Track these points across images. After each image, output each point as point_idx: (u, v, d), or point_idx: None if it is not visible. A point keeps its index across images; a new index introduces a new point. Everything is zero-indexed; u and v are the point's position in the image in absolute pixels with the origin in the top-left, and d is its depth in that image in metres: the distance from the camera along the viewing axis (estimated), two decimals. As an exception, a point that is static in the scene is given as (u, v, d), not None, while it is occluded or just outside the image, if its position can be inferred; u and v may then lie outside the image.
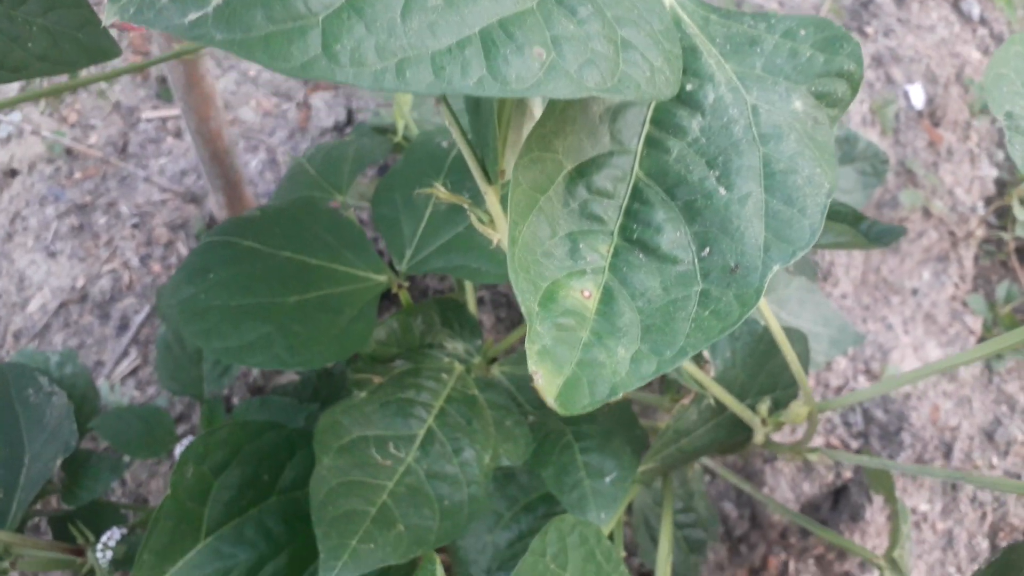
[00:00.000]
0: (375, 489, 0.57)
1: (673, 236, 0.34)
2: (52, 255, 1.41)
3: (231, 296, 0.61)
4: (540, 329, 0.31)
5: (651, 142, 0.35)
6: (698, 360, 0.63)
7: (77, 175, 1.50)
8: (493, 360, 0.79)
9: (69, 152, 1.53)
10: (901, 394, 1.19)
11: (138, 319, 1.31)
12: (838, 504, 1.14)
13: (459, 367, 0.72)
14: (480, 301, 1.06)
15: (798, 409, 0.60)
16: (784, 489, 1.11)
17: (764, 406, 0.65)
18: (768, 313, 0.54)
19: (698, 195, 0.34)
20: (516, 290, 0.32)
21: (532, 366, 0.31)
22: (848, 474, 1.12)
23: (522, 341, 0.83)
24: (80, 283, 1.37)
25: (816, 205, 0.34)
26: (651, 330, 0.33)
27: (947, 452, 1.19)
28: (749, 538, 1.13)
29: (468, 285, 0.79)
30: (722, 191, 0.34)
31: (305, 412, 0.77)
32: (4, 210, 1.51)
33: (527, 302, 0.32)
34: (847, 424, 1.15)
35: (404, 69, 0.24)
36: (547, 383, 0.31)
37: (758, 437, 0.65)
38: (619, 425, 0.71)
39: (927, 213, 1.24)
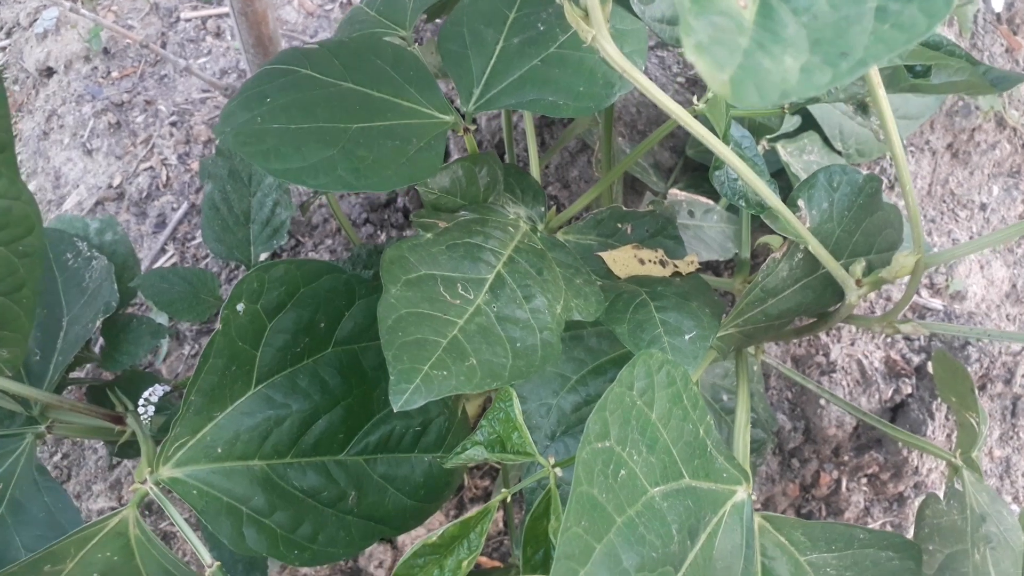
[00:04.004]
0: (445, 324, 0.53)
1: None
2: (88, 153, 1.38)
3: (291, 119, 0.57)
4: (694, 23, 0.27)
5: None
6: (792, 210, 0.58)
7: (114, 74, 1.46)
8: (556, 231, 0.75)
9: (106, 51, 1.49)
10: (965, 311, 1.13)
11: (176, 216, 1.28)
12: (896, 420, 1.09)
13: (524, 225, 0.67)
14: (545, 167, 1.02)
15: (903, 260, 0.55)
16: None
17: (859, 267, 0.60)
18: (895, 140, 0.48)
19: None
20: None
21: (689, 57, 0.26)
22: (908, 389, 1.07)
23: (587, 210, 0.79)
24: (117, 181, 1.34)
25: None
26: (821, 43, 0.28)
27: (1008, 378, 1.14)
28: (802, 452, 1.09)
29: (532, 150, 0.75)
30: None
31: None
32: (40, 108, 1.47)
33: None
34: (908, 339, 1.10)
35: None
36: (709, 75, 0.26)
37: (851, 298, 0.60)
38: (695, 290, 0.66)
39: (1001, 124, 1.17)
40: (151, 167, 1.34)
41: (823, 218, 0.59)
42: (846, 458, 1.08)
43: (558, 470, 0.50)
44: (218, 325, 0.57)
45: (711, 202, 0.95)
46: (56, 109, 1.45)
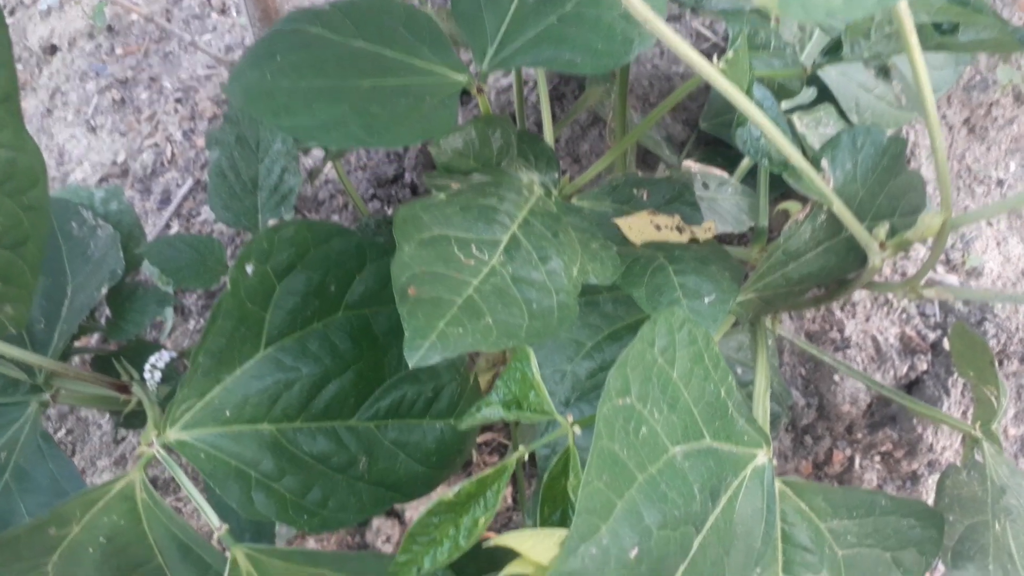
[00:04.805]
0: (460, 284, 0.52)
1: None
2: (92, 130, 1.37)
3: (301, 77, 0.56)
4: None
5: None
6: (816, 167, 0.57)
7: (119, 51, 1.45)
8: (569, 198, 0.73)
9: (110, 28, 1.47)
10: (980, 287, 1.12)
11: (180, 193, 1.26)
12: (911, 396, 1.08)
13: (539, 189, 0.66)
14: (556, 141, 1.00)
15: (929, 220, 0.54)
16: (854, 379, 1.05)
17: (882, 229, 0.59)
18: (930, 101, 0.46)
19: None
20: None
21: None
22: (923, 365, 1.06)
23: (601, 176, 0.77)
24: (121, 158, 1.32)
25: None
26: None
27: (1025, 356, 1.12)
28: (815, 429, 1.07)
29: (546, 117, 0.73)
30: None
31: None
32: (43, 86, 1.46)
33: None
34: (924, 315, 1.09)
35: None
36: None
37: (874, 261, 0.58)
38: (714, 255, 0.65)
39: (1019, 98, 1.15)
40: (156, 144, 1.33)
41: (846, 179, 0.58)
42: (860, 435, 1.07)
43: (576, 428, 0.48)
44: (227, 286, 0.55)
45: (725, 174, 0.93)
46: (60, 87, 1.43)
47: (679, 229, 0.69)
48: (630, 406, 0.44)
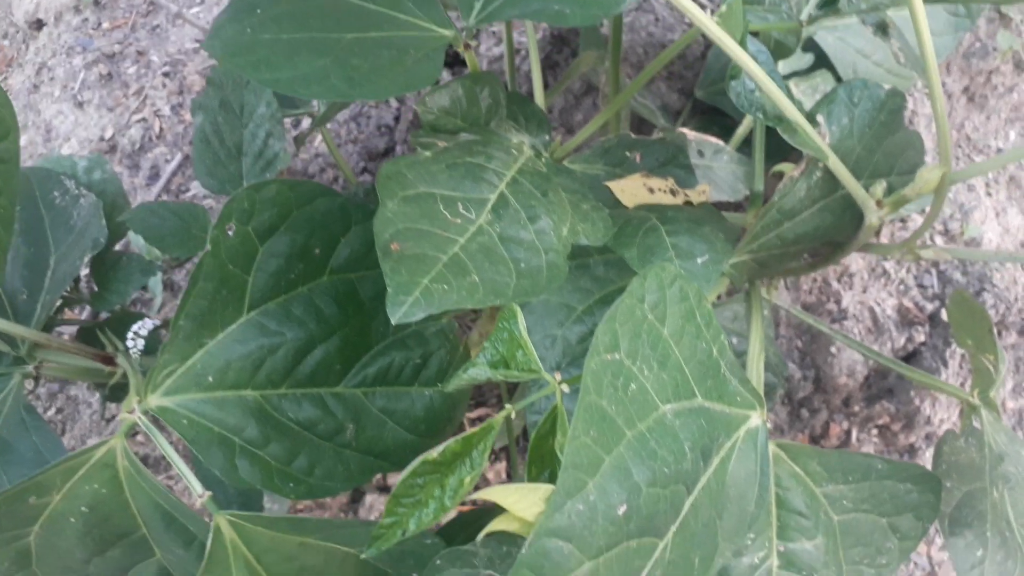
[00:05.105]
0: (445, 241, 0.50)
1: None
2: (79, 105, 1.35)
3: (282, 30, 0.54)
4: None
5: None
6: (812, 123, 0.55)
7: (105, 25, 1.42)
8: (561, 161, 0.72)
9: (97, 2, 1.45)
10: (980, 259, 1.10)
11: (169, 168, 1.25)
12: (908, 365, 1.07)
13: (529, 151, 0.64)
14: (549, 111, 0.99)
15: (928, 175, 0.52)
16: (852, 351, 1.04)
17: (879, 187, 0.57)
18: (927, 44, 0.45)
19: None
20: None
21: None
22: (921, 337, 1.05)
23: (593, 137, 0.76)
24: (108, 133, 1.31)
25: None
26: None
27: (1023, 329, 1.11)
28: (811, 402, 1.06)
29: (536, 78, 0.71)
30: None
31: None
32: (30, 62, 1.44)
33: None
34: (921, 287, 1.08)
35: None
36: None
37: (871, 219, 0.57)
38: (708, 217, 0.63)
39: (1019, 66, 1.13)
40: (144, 118, 1.31)
41: (843, 134, 0.56)
42: (856, 408, 1.06)
43: (564, 387, 0.47)
44: (207, 247, 0.54)
45: (721, 142, 0.92)
46: (46, 62, 1.41)
47: (673, 192, 0.67)
48: (619, 362, 0.43)
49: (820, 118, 0.55)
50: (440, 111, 0.61)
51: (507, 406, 0.45)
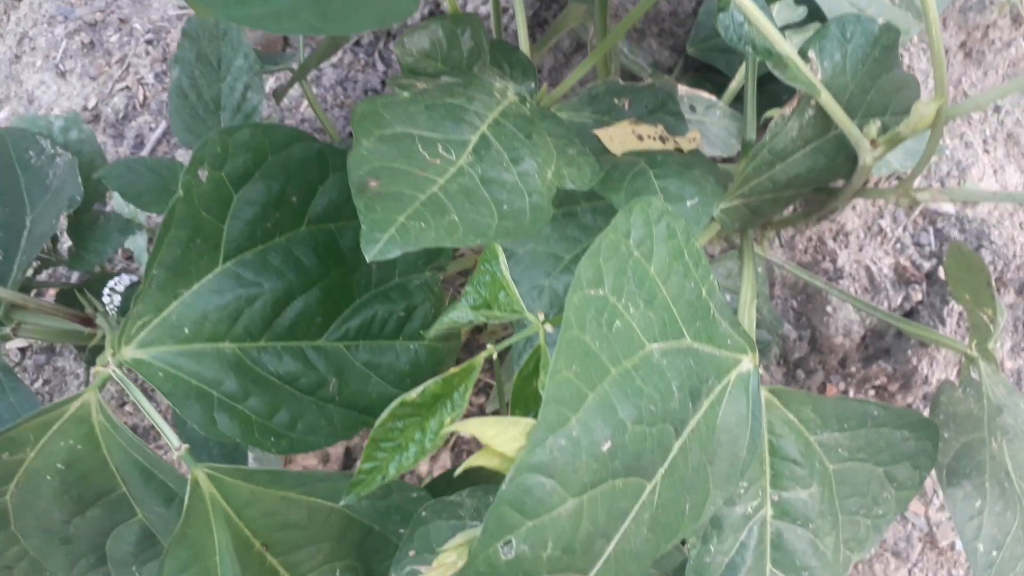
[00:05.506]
0: (424, 181, 0.49)
1: None
2: (62, 75, 1.32)
3: (253, -34, 0.52)
4: None
5: None
6: (803, 59, 0.53)
7: (87, -7, 1.40)
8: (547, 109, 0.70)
9: (78, -30, 1.42)
10: (977, 217, 1.09)
11: (154, 137, 1.23)
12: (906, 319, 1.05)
13: (512, 96, 0.62)
14: (538, 70, 0.96)
15: (923, 109, 0.50)
16: (848, 310, 1.02)
17: (874, 126, 0.56)
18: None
19: None
20: None
21: None
22: (918, 295, 1.03)
23: (582, 83, 0.74)
24: (92, 103, 1.28)
25: None
26: None
27: (1022, 286, 1.09)
28: (807, 363, 1.05)
29: (521, 25, 0.69)
30: None
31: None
32: (11, 32, 1.41)
33: None
34: (918, 244, 1.06)
35: None
36: None
37: (866, 159, 0.55)
38: (698, 162, 0.61)
39: (1016, 21, 1.11)
40: (127, 87, 1.28)
41: (835, 71, 0.54)
42: (853, 369, 1.05)
43: (548, 327, 0.45)
44: (179, 191, 0.52)
45: (714, 97, 0.90)
46: (27, 31, 1.39)
47: (662, 139, 0.65)
48: (603, 297, 0.41)
49: (811, 54, 0.53)
50: (420, 54, 0.59)
51: (489, 346, 0.44)
